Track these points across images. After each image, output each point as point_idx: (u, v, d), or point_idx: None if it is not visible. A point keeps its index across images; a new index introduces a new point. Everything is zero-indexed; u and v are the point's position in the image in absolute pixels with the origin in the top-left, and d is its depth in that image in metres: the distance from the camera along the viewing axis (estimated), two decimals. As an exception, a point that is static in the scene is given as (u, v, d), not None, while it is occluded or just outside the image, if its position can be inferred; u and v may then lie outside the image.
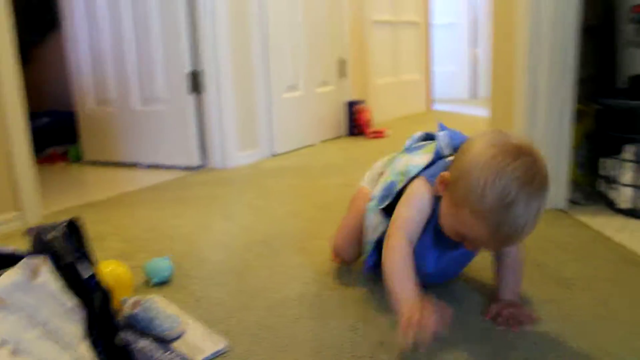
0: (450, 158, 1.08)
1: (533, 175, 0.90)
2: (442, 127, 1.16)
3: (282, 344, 1.05)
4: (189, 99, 2.61)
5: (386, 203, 1.15)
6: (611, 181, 1.78)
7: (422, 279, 1.02)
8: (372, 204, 1.20)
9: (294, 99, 3.14)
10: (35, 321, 0.64)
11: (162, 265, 1.35)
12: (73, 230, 0.79)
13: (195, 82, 2.61)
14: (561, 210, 1.79)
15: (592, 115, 1.92)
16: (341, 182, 2.33)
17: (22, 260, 0.69)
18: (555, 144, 1.78)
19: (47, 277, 0.68)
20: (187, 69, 2.59)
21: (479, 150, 0.95)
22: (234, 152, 2.72)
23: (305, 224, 1.78)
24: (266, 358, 1.00)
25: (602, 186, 1.86)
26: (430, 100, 4.95)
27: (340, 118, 3.58)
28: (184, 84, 2.60)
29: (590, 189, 1.94)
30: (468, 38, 5.85)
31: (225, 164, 2.68)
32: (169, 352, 0.96)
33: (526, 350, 0.99)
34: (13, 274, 0.65)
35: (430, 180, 1.06)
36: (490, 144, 0.94)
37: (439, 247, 1.10)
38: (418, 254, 1.06)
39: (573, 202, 1.86)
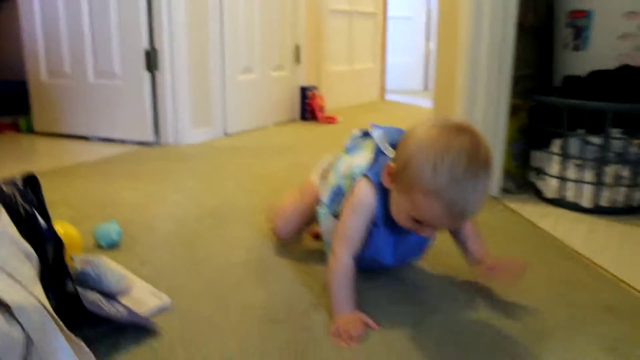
0: (392, 154, 1.08)
1: (478, 149, 0.93)
2: (376, 127, 1.17)
3: (224, 303, 1.13)
4: (145, 76, 2.64)
5: (337, 210, 1.17)
6: (540, 172, 1.92)
7: (383, 267, 1.14)
8: (323, 210, 1.22)
9: (248, 81, 3.20)
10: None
11: (110, 229, 1.41)
12: (30, 184, 0.85)
13: (151, 60, 2.64)
14: (494, 198, 1.92)
15: (526, 111, 2.06)
16: (292, 162, 2.42)
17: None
18: (491, 135, 1.90)
19: (5, 222, 0.74)
20: (144, 46, 2.61)
21: (422, 133, 0.97)
22: (188, 129, 2.76)
23: (255, 199, 1.85)
24: (208, 315, 1.08)
25: (533, 177, 2.00)
26: (383, 90, 5.07)
27: (294, 102, 3.66)
28: (140, 61, 2.63)
29: (522, 179, 2.08)
30: (423, 31, 6.00)
31: (179, 141, 2.73)
32: (115, 304, 1.03)
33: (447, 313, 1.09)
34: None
35: (374, 178, 1.07)
36: (431, 126, 0.97)
37: (395, 237, 1.12)
38: (374, 249, 1.11)
39: (506, 191, 2.00)
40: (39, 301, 0.73)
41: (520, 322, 1.07)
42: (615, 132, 1.72)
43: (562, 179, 1.80)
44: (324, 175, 1.30)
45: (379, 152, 1.12)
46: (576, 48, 2.09)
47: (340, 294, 1.06)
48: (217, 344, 0.98)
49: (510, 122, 2.06)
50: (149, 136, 2.72)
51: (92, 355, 0.81)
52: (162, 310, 1.08)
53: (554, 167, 1.83)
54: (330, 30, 4.09)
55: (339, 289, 1.06)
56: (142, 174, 2.17)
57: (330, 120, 3.61)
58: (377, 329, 1.01)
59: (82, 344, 0.80)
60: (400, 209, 1.01)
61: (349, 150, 1.24)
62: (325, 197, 1.22)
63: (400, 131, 1.12)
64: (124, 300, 1.09)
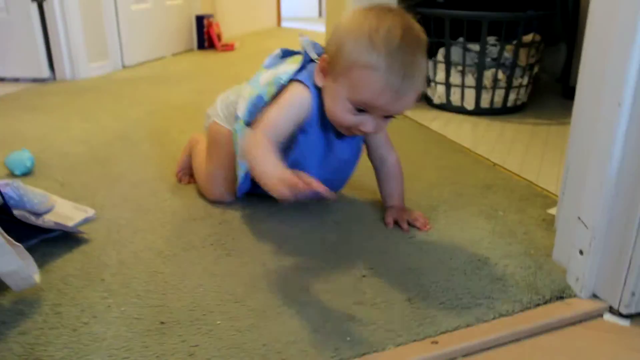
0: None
1: (411, 25, 0.92)
2: (303, 37, 1.08)
3: (145, 210, 1.22)
4: (32, 7, 2.55)
5: (255, 118, 1.06)
6: (429, 81, 2.09)
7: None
8: (239, 126, 1.11)
9: (143, 11, 3.15)
10: None
11: (23, 156, 1.43)
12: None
13: (37, -10, 2.54)
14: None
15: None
16: (192, 89, 2.46)
17: None
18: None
19: None
20: (28, -26, 2.51)
21: (349, 19, 0.94)
22: (84, 63, 2.71)
23: (161, 122, 1.91)
24: (132, 220, 1.17)
25: (422, 85, 2.16)
26: (279, 17, 5.09)
27: (191, 31, 3.64)
28: (24, -9, 2.53)
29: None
30: (315, -43, 6.00)
31: (76, 75, 2.68)
32: (42, 218, 1.09)
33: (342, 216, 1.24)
34: None
35: (307, 80, 1.01)
36: (356, 11, 0.94)
37: (324, 148, 1.07)
38: (299, 154, 1.05)
39: (398, 99, 2.16)
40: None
41: (412, 199, 1.24)
42: (491, 39, 1.90)
43: (447, 85, 1.98)
44: (231, 113, 1.18)
45: (307, 59, 1.06)
46: (456, -36, 2.23)
47: (267, 158, 0.90)
48: (145, 242, 1.07)
49: (400, 37, 2.20)
50: (43, 72, 2.65)
51: (29, 255, 0.89)
52: (87, 221, 1.16)
53: (439, 74, 2.00)
54: (222, -43, 4.04)
55: (264, 155, 0.91)
56: (43, 108, 2.14)
57: (227, 47, 3.63)
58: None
59: (21, 245, 0.87)
60: (337, 101, 0.96)
61: (268, 66, 1.16)
62: (241, 111, 1.11)
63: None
64: (49, 217, 1.14)
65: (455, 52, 1.94)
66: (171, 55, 3.43)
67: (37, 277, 0.88)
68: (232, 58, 3.34)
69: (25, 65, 2.64)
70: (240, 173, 1.14)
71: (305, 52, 1.05)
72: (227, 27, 4.00)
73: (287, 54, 1.18)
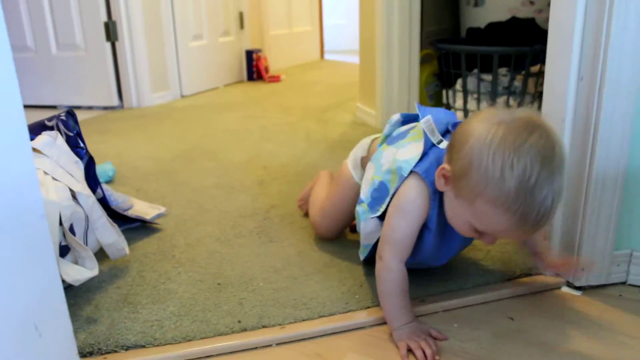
0: (443, 145, 0.96)
1: (552, 149, 0.79)
2: (422, 109, 1.00)
3: (205, 208, 1.52)
4: (106, 46, 2.94)
5: (380, 211, 1.01)
6: (449, 107, 2.35)
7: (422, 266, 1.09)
8: (362, 209, 1.07)
9: (199, 47, 3.52)
10: (59, 164, 1.07)
11: (106, 167, 1.76)
12: (70, 117, 1.20)
13: (110, 31, 2.93)
14: (413, 130, 2.35)
15: (437, 58, 2.48)
16: (244, 115, 2.79)
17: (43, 133, 1.11)
18: (407, 81, 2.33)
19: (61, 141, 1.10)
20: (102, 19, 2.90)
21: (484, 131, 0.81)
22: (148, 93, 3.09)
23: (215, 143, 2.23)
24: (195, 215, 1.47)
25: (444, 111, 2.43)
26: (322, 50, 5.44)
27: (241, 65, 4.00)
28: (100, 33, 2.92)
29: (437, 114, 2.52)
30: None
31: (141, 103, 3.05)
32: (127, 212, 1.40)
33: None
34: (43, 137, 1.08)
35: (425, 176, 0.94)
36: (494, 122, 0.81)
37: (441, 241, 1.01)
38: (423, 253, 1.01)
39: (423, 124, 2.43)
40: (89, 191, 1.10)
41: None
42: (502, 71, 2.16)
43: (465, 110, 2.24)
44: (357, 164, 1.21)
45: (429, 144, 0.96)
46: (476, 4, 2.52)
47: (395, 303, 0.95)
48: (205, 231, 1.37)
49: (425, 69, 2.49)
50: (113, 101, 3.03)
51: (122, 233, 1.19)
52: (160, 216, 1.46)
53: (458, 102, 2.27)
54: (270, -3, 4.43)
55: (392, 298, 0.96)
56: (115, 131, 2.50)
57: (274, 79, 3.97)
58: (444, 339, 0.95)
59: (116, 225, 1.17)
60: (458, 217, 0.89)
61: (391, 139, 1.08)
62: (365, 194, 1.07)
63: (449, 114, 1.01)
64: (131, 212, 1.45)
65: (471, 82, 2.20)
66: (223, 86, 3.79)
67: (127, 250, 1.18)
68: (278, 88, 3.68)
69: (98, 95, 3.03)
70: (362, 253, 1.15)
71: (427, 136, 0.96)
72: (274, 61, 4.35)
73: (407, 119, 1.11)
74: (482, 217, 0.83)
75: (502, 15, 2.41)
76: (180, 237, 1.34)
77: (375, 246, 1.06)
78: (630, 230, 1.08)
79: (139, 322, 1.00)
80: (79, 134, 1.18)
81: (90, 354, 0.92)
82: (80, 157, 1.18)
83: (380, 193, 1.02)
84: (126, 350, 0.94)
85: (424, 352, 0.89)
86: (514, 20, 2.36)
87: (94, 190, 1.22)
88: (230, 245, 1.29)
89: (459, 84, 2.26)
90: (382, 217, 1.02)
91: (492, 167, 0.78)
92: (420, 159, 0.96)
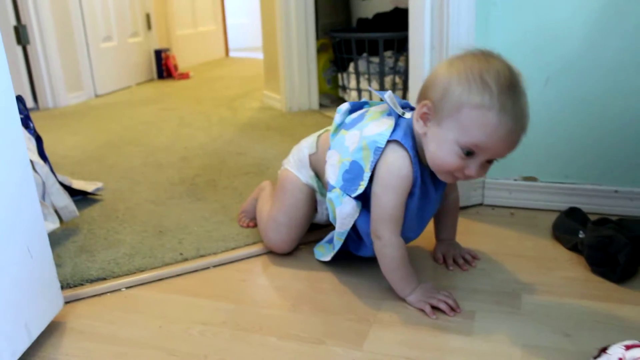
0: (408, 115, 1.02)
1: (511, 68, 0.91)
2: (378, 92, 1.06)
3: (137, 181, 1.75)
4: (18, 50, 3.05)
5: (358, 191, 1.02)
6: (345, 88, 2.67)
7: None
8: (335, 194, 1.06)
9: (110, 48, 3.67)
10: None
11: (41, 156, 1.93)
12: (19, 101, 1.40)
13: (21, 35, 3.04)
14: (315, 111, 2.66)
15: (332, 46, 2.79)
16: (159, 108, 3.00)
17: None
18: (306, 68, 2.63)
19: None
20: (12, 23, 3.01)
21: (449, 64, 0.93)
22: (63, 94, 3.21)
23: (137, 132, 2.44)
24: (130, 187, 1.69)
25: (341, 93, 2.75)
26: (227, 48, 5.68)
27: (151, 64, 4.17)
28: (11, 37, 3.02)
29: (335, 96, 2.84)
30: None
31: (56, 104, 3.18)
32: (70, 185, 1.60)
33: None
34: None
35: (405, 142, 0.98)
36: (457, 57, 0.94)
37: (422, 204, 1.05)
38: (406, 222, 1.04)
39: (323, 106, 2.74)
40: (43, 162, 1.32)
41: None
42: (388, 53, 2.49)
43: (358, 90, 2.56)
44: (304, 163, 1.20)
45: (395, 115, 1.01)
46: (359, -3, 2.84)
47: (403, 274, 1.02)
48: (141, 197, 1.61)
49: (322, 56, 2.79)
50: (28, 103, 3.13)
51: (70, 198, 1.40)
52: (99, 190, 1.67)
53: (352, 82, 2.59)
54: (174, -2, 4.62)
55: (399, 271, 1.02)
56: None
57: (184, 76, 4.17)
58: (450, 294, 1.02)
59: (66, 192, 1.39)
60: (444, 146, 0.93)
61: (346, 125, 1.09)
62: (335, 179, 1.06)
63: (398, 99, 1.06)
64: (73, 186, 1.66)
65: (362, 65, 2.52)
66: (135, 84, 3.95)
67: (77, 212, 1.40)
68: (188, 84, 3.89)
69: (13, 98, 3.12)
70: (338, 243, 1.13)
71: (391, 107, 1.01)
72: (182, 59, 4.55)
73: (355, 106, 1.14)
74: (469, 125, 0.89)
75: (387, 6, 2.75)
76: (120, 203, 1.57)
77: (348, 234, 1.10)
78: (478, 163, 1.42)
79: (97, 263, 1.23)
80: (27, 117, 1.39)
81: (61, 288, 1.15)
82: (32, 133, 1.39)
83: (354, 173, 1.02)
84: (91, 282, 1.16)
85: (447, 304, 0.99)
86: (397, 10, 2.71)
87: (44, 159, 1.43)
88: (165, 205, 1.54)
89: (351, 67, 2.58)
90: (358, 198, 1.04)
91: (471, 76, 0.89)
92: (395, 130, 0.99)
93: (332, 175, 1.07)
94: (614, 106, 1.33)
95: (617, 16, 1.27)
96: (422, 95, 0.97)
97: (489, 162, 0.95)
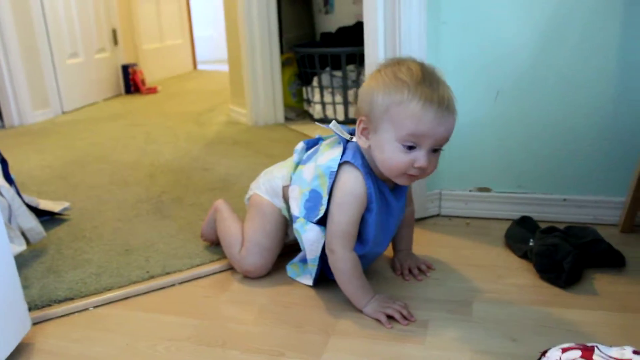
0: (355, 139, 1.08)
1: (424, 64, 1.01)
2: (322, 125, 1.16)
3: (104, 200, 1.77)
4: (-19, 67, 3.04)
5: (319, 215, 1.08)
6: (310, 102, 2.72)
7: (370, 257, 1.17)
8: (299, 224, 1.11)
9: (76, 64, 3.67)
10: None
11: (7, 176, 1.94)
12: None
13: (-15, 54, 3.03)
14: (281, 124, 2.71)
15: (296, 61, 2.85)
16: (126, 124, 3.02)
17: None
18: (271, 82, 2.68)
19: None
20: (-24, 42, 3.01)
21: (370, 78, 1.03)
22: (29, 111, 3.20)
23: (104, 149, 2.45)
24: (96, 205, 1.72)
25: (306, 106, 2.80)
26: (195, 61, 5.70)
27: (118, 79, 4.18)
28: (-26, 54, 3.01)
29: (300, 109, 2.89)
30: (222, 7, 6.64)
31: (22, 121, 3.17)
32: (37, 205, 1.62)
33: (243, 182, 1.83)
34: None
35: (354, 161, 1.04)
36: (373, 71, 1.04)
37: (384, 218, 1.11)
38: (371, 237, 1.09)
39: (288, 119, 2.79)
40: (8, 185, 1.34)
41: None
42: (351, 67, 2.55)
43: (323, 103, 2.62)
44: (276, 192, 1.22)
45: (344, 140, 1.09)
46: (327, 12, 2.91)
47: (357, 285, 1.08)
48: (107, 216, 1.63)
49: (287, 70, 2.84)
50: (-6, 121, 3.13)
51: (37, 220, 1.42)
52: (66, 210, 1.69)
53: (316, 96, 2.64)
54: (141, 13, 4.62)
55: (353, 282, 1.08)
56: (2, 147, 2.62)
57: (151, 91, 4.19)
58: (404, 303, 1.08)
59: (33, 213, 1.41)
60: (386, 147, 0.99)
61: (303, 161, 1.18)
62: (297, 210, 1.12)
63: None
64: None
65: (325, 78, 2.58)
66: (103, 100, 3.96)
67: (44, 233, 1.42)
68: (156, 99, 3.91)
69: (-22, 116, 3.11)
70: (312, 269, 1.16)
71: (338, 134, 1.10)
72: (149, 73, 4.56)
73: (310, 144, 1.21)
74: (399, 121, 0.96)
75: (350, 20, 2.81)
76: (87, 223, 1.59)
77: (321, 261, 1.14)
78: (438, 174, 1.40)
79: (64, 283, 1.25)
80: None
81: (29, 310, 1.17)
82: (-3, 159, 1.41)
83: (314, 200, 1.09)
84: (58, 303, 1.18)
85: (401, 314, 1.04)
86: (359, 24, 2.77)
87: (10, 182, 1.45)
88: (131, 223, 1.56)
89: (315, 81, 2.64)
90: (320, 223, 1.09)
91: (387, 79, 0.98)
92: (344, 153, 1.07)
93: (295, 207, 1.13)
94: (561, 118, 1.40)
95: (559, 32, 1.34)
96: (357, 114, 1.05)
97: (435, 151, 1.00)
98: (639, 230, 1.40)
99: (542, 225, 1.34)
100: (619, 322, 1.02)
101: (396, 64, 1.01)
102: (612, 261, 1.22)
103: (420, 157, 0.97)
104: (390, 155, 0.99)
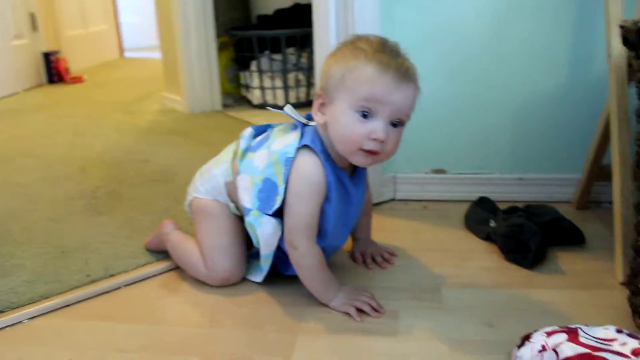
0: (312, 123, 1.02)
1: (380, 36, 0.96)
2: (275, 109, 1.09)
3: (35, 198, 1.62)
4: None
5: (275, 206, 0.99)
6: (248, 87, 2.62)
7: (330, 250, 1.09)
8: (253, 217, 1.02)
9: (-10, 52, 3.42)
10: None
11: None
12: None
13: None
14: (219, 111, 2.60)
15: (233, 44, 2.74)
16: (51, 115, 2.83)
17: None
18: (207, 67, 2.56)
19: None
20: None
21: (328, 56, 0.98)
22: (-60, 105, 2.96)
23: (29, 143, 2.28)
24: (24, 204, 1.57)
25: (244, 92, 2.70)
26: (122, 48, 5.45)
27: (39, 68, 3.92)
28: None
29: (238, 95, 2.78)
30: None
31: None
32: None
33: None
34: None
35: (314, 146, 0.97)
36: (335, 48, 0.99)
37: (343, 207, 1.04)
38: (330, 228, 1.03)
39: (226, 106, 2.68)
40: None
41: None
42: (290, 50, 2.47)
43: (262, 88, 2.52)
44: (220, 191, 1.11)
45: (300, 124, 1.02)
46: (261, -7, 2.80)
47: (323, 280, 1.01)
48: (37, 215, 1.49)
49: (223, 54, 2.73)
50: None
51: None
52: (-12, 210, 1.55)
53: (255, 81, 2.55)
54: (60, -3, 4.36)
55: (319, 277, 1.01)
56: None
57: (77, 80, 3.95)
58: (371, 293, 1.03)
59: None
60: (341, 118, 0.92)
61: (253, 148, 1.07)
62: (249, 201, 1.02)
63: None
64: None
65: (264, 63, 2.49)
66: (23, 90, 3.70)
67: (-33, 238, 1.28)
68: (82, 88, 3.69)
69: None
70: (265, 265, 1.08)
71: (295, 118, 1.02)
72: (73, 62, 4.30)
73: (259, 130, 1.12)
74: (354, 86, 0.90)
75: (287, 2, 2.73)
76: (14, 224, 1.45)
77: (274, 255, 1.06)
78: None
79: (-7, 293, 1.13)
80: None
81: (-48, 326, 1.04)
82: None
83: (268, 190, 0.99)
84: (-14, 317, 1.06)
85: (370, 306, 0.99)
86: (297, 5, 2.69)
87: None
88: (65, 222, 1.44)
89: (254, 66, 2.54)
90: (276, 215, 1.00)
91: (346, 50, 0.93)
92: (301, 138, 0.99)
93: (247, 198, 1.02)
94: (515, 98, 1.38)
95: (514, 12, 1.31)
96: (318, 87, 1.00)
97: (394, 125, 0.93)
98: (593, 207, 1.40)
99: (500, 206, 1.32)
100: (590, 301, 1.01)
101: (356, 37, 0.96)
102: (573, 238, 1.21)
103: (377, 128, 0.90)
104: (345, 126, 0.92)
